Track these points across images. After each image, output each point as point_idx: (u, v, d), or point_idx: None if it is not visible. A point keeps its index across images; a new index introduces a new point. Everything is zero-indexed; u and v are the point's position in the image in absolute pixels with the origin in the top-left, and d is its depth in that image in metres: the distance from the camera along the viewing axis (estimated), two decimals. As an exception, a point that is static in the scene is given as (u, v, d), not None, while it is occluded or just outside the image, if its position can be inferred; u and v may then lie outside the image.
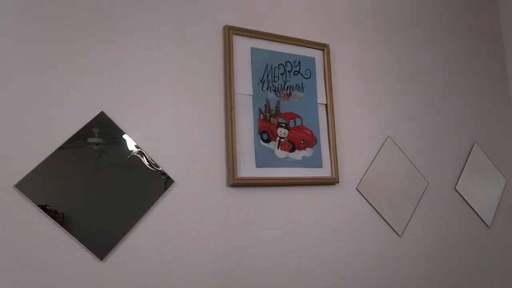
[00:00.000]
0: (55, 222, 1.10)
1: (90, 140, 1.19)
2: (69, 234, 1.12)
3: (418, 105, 1.89)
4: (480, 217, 1.95)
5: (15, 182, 1.07)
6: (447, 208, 1.87)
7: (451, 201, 1.89)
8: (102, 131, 1.20)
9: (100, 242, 1.16)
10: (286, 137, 1.50)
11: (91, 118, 1.19)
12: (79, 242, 1.13)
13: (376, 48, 1.82)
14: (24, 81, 1.13)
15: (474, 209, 1.94)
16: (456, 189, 1.91)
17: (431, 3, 2.06)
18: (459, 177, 1.93)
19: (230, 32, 1.45)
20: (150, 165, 1.25)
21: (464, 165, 1.96)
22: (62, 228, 1.11)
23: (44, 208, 1.10)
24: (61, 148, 1.14)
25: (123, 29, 1.29)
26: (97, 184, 1.18)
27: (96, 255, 1.14)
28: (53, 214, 1.11)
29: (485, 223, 1.97)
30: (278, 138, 1.49)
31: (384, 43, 1.85)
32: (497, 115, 2.16)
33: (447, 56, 2.05)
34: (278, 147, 1.48)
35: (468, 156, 1.98)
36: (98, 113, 1.20)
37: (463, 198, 1.92)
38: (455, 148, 1.96)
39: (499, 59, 2.26)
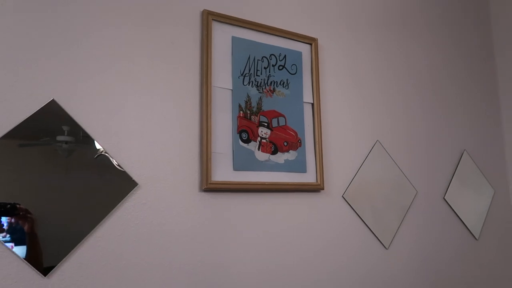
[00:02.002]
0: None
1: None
2: (8, 248, 0.93)
3: (410, 108, 1.77)
4: (468, 229, 1.85)
5: None
6: (436, 219, 1.76)
7: (439, 212, 1.78)
8: (51, 123, 1.02)
9: (45, 255, 0.97)
10: (268, 138, 1.35)
11: (40, 107, 1.01)
12: (20, 257, 0.94)
13: (369, 45, 1.69)
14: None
15: (463, 220, 1.84)
16: (445, 199, 1.80)
17: (428, 3, 1.95)
18: (448, 187, 1.83)
19: (209, 17, 1.29)
20: (117, 165, 1.08)
21: (454, 173, 1.86)
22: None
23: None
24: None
25: (80, 4, 1.11)
26: (53, 186, 1.00)
27: (39, 271, 0.95)
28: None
29: (473, 236, 1.87)
30: (259, 139, 1.33)
31: (378, 40, 1.72)
32: (487, 123, 2.08)
33: (442, 59, 1.95)
34: (258, 149, 1.33)
35: (458, 164, 1.88)
36: (49, 101, 1.02)
37: (451, 208, 1.82)
38: (444, 156, 1.85)
39: (490, 66, 2.18)
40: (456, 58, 2.02)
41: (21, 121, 0.98)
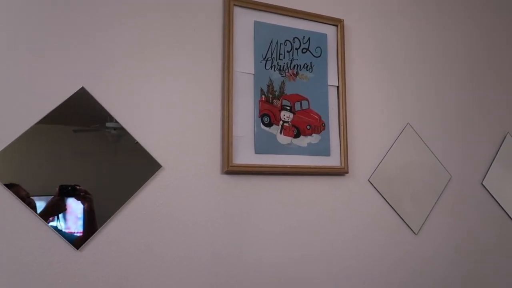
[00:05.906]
0: (28, 207, 1.02)
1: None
2: (44, 221, 1.03)
3: (444, 89, 1.69)
4: (510, 216, 1.76)
5: None
6: (472, 205, 1.68)
7: (476, 198, 1.70)
8: (82, 110, 1.10)
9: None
10: (290, 122, 1.36)
11: (70, 95, 1.08)
12: (54, 231, 1.03)
13: (399, 24, 1.63)
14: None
15: (503, 207, 1.75)
16: (483, 184, 1.72)
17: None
18: (487, 171, 1.73)
19: (230, 3, 1.30)
20: (136, 147, 1.14)
21: (494, 158, 1.76)
22: (36, 215, 1.02)
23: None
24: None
25: (110, -3, 1.17)
26: (80, 169, 1.08)
27: (72, 244, 1.05)
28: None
29: (515, 223, 1.77)
30: (281, 122, 1.34)
31: (408, 18, 1.65)
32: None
33: (480, 36, 1.83)
34: (281, 132, 1.34)
35: (499, 148, 1.78)
36: (78, 89, 1.10)
37: (490, 194, 1.73)
38: (484, 139, 1.76)
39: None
40: (500, 28, 1.89)
41: (54, 107, 1.06)
